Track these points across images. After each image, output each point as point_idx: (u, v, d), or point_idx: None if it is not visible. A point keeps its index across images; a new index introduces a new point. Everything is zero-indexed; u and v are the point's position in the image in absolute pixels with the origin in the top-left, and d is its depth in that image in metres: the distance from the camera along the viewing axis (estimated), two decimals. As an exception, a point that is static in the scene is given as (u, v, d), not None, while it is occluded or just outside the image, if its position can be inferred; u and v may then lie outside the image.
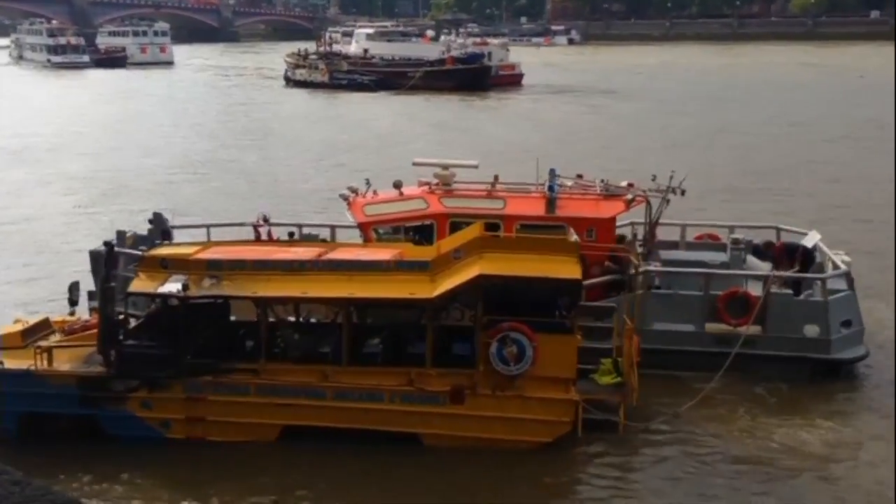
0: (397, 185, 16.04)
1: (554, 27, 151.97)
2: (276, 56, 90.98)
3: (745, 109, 53.70)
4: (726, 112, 52.60)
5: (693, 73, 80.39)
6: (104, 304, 12.59)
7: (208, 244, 14.53)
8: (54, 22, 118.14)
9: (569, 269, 12.24)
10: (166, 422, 12.67)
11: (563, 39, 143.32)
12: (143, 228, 17.54)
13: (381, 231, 15.55)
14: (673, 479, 11.87)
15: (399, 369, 12.51)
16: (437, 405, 12.36)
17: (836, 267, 15.27)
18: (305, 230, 17.74)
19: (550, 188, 15.56)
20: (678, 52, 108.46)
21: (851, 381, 14.92)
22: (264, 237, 16.77)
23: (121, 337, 12.76)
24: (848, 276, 15.07)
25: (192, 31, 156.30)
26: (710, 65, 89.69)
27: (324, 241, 16.65)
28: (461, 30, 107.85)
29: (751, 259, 16.25)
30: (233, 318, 13.82)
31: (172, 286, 12.54)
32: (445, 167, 16.03)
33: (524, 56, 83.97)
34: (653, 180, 15.89)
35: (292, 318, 13.87)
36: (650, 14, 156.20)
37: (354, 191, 16.35)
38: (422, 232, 15.38)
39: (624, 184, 16.12)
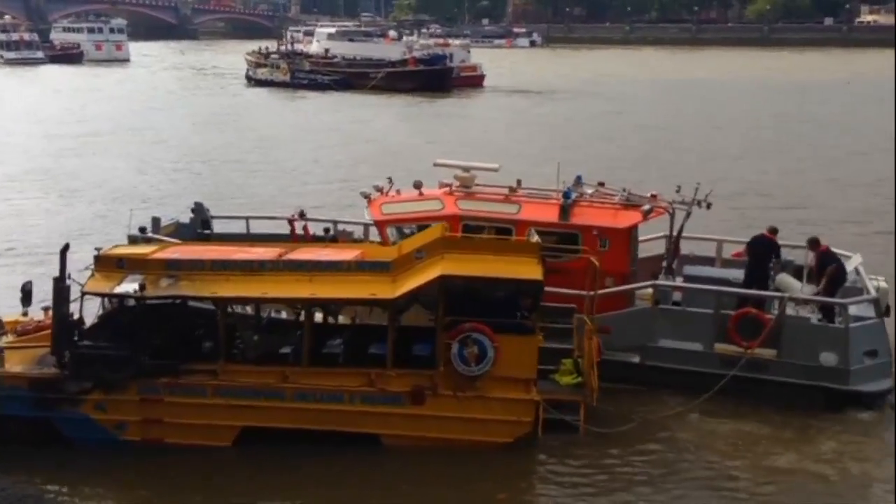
0: (417, 186, 15.97)
1: (516, 29, 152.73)
2: (236, 54, 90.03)
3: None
4: (664, 108, 53.62)
5: (649, 75, 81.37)
6: (58, 304, 12.33)
7: (166, 244, 14.33)
8: (7, 17, 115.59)
9: (530, 270, 12.28)
10: (121, 424, 12.44)
11: (524, 42, 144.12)
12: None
13: (406, 231, 15.32)
14: (629, 483, 11.90)
15: (360, 370, 12.44)
16: (398, 406, 12.32)
17: (867, 292, 14.33)
18: (340, 226, 17.78)
19: (565, 195, 15.29)
20: (638, 56, 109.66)
21: (862, 415, 13.61)
22: (299, 232, 17.01)
23: (75, 338, 12.51)
24: (877, 303, 14.11)
25: (150, 29, 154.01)
26: (665, 68, 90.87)
27: (357, 239, 16.72)
28: (423, 31, 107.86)
29: (784, 278, 14.91)
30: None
31: (129, 286, 12.33)
32: (466, 169, 15.95)
33: (486, 58, 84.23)
34: (677, 191, 15.35)
35: (252, 319, 13.75)
36: (610, 18, 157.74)
37: (379, 189, 16.26)
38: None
39: (648, 195, 15.64)
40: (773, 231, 15.36)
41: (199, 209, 18.29)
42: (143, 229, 16.55)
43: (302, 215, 17.40)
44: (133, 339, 12.32)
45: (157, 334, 12.67)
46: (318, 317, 13.66)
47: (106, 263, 12.78)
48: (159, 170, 35.38)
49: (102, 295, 12.87)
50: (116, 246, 13.74)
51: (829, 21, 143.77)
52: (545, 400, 12.62)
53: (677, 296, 15.01)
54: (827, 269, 14.59)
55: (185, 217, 18.17)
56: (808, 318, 14.25)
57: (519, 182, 16.08)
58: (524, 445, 12.44)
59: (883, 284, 14.78)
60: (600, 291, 13.96)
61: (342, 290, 12.40)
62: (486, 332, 12.06)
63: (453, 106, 62.38)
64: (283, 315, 14.19)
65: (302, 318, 12.83)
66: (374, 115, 55.76)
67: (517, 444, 12.38)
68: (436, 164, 16.32)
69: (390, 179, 16.36)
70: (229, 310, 12.91)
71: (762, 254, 15.09)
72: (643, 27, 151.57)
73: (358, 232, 17.72)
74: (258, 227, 18.21)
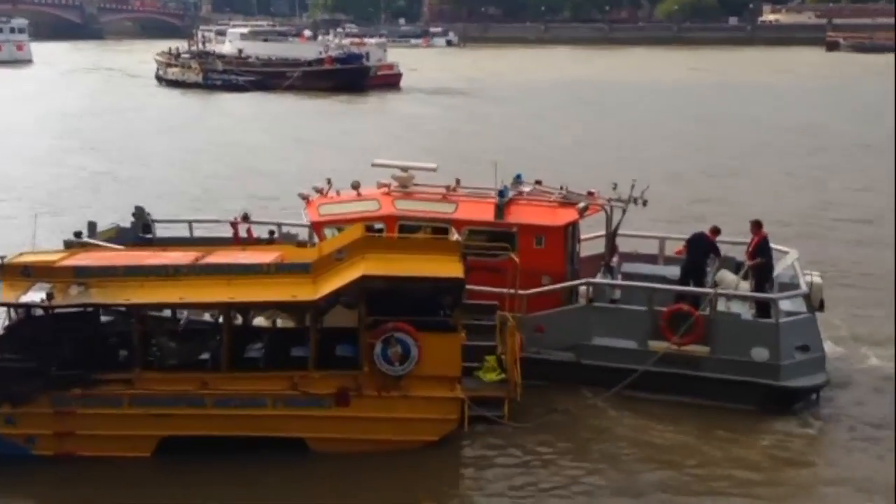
0: (355, 186, 15.81)
1: (432, 29, 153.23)
2: (146, 55, 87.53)
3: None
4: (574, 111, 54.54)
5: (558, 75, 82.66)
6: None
7: (74, 251, 13.83)
8: None
9: (451, 268, 12.30)
10: (31, 438, 11.99)
11: (441, 41, 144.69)
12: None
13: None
14: (553, 475, 12.05)
15: (282, 373, 12.25)
16: (322, 408, 12.19)
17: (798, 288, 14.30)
18: (285, 229, 17.49)
19: (500, 193, 15.21)
20: (553, 55, 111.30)
21: (794, 409, 13.72)
22: (243, 235, 16.80)
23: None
24: (808, 298, 14.12)
25: (54, 29, 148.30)
26: (580, 67, 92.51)
27: (302, 242, 16.42)
28: (339, 30, 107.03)
29: (722, 274, 14.88)
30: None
31: (35, 295, 11.87)
32: (405, 169, 15.84)
33: (403, 57, 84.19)
34: (613, 189, 15.28)
35: (169, 326, 13.38)
36: (525, 18, 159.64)
37: (319, 190, 16.06)
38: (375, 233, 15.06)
39: (585, 192, 15.59)
40: (715, 231, 15.32)
41: (139, 213, 18.02)
42: (78, 234, 16.22)
43: (245, 218, 17.28)
44: (41, 351, 11.87)
45: (68, 344, 12.22)
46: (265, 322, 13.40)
47: (11, 272, 12.29)
48: (75, 175, 34.17)
49: (7, 305, 12.36)
50: (22, 253, 13.19)
51: (733, 20, 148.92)
52: (470, 397, 12.67)
53: (619, 294, 14.95)
54: (754, 261, 14.64)
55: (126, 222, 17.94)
56: (739, 314, 14.16)
57: (458, 181, 16.06)
58: (450, 443, 12.47)
59: (817, 280, 14.78)
60: (533, 290, 14.11)
61: (262, 294, 12.19)
62: (409, 331, 12.03)
63: (373, 105, 62.26)
64: (208, 317, 13.86)
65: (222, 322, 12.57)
66: (294, 114, 55.16)
67: (443, 442, 12.40)
68: (374, 165, 16.22)
69: (329, 181, 16.24)
70: (145, 316, 12.54)
71: (699, 251, 15.11)
72: (557, 27, 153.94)
73: (303, 234, 17.45)
74: (201, 231, 18.00)
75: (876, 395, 14.63)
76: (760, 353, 13.59)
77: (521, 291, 13.95)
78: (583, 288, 14.60)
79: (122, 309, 12.35)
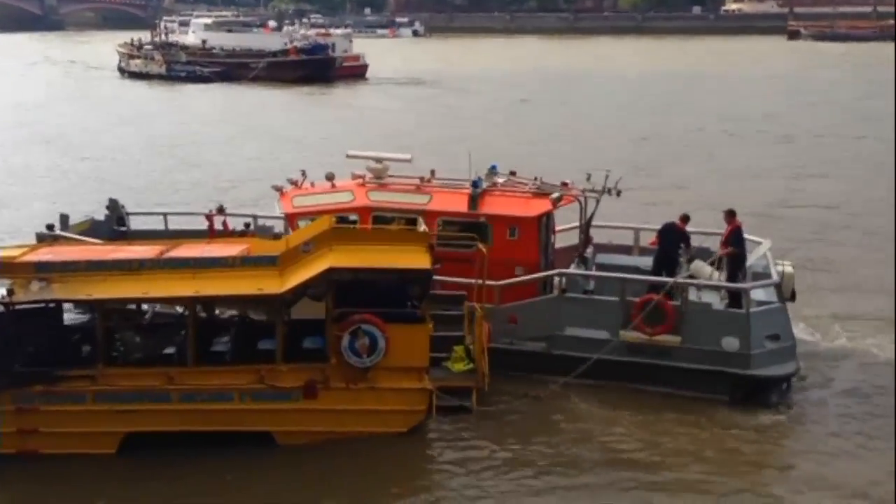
0: (330, 178, 15.77)
1: (398, 19, 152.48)
2: (107, 46, 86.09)
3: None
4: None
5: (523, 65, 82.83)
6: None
7: (36, 246, 13.62)
8: None
9: (418, 259, 12.30)
10: (-6, 437, 11.80)
11: (407, 31, 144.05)
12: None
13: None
14: (522, 463, 12.13)
15: (249, 367, 12.18)
16: (290, 401, 12.14)
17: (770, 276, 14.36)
18: (260, 221, 17.33)
19: (474, 184, 15.19)
20: (519, 44, 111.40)
21: (763, 398, 13.76)
22: (218, 227, 16.73)
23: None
24: (779, 288, 14.18)
25: (12, 20, 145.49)
26: (546, 57, 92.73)
27: (278, 234, 16.17)
28: (304, 20, 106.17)
29: (697, 265, 14.88)
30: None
31: (-5, 292, 11.67)
32: (379, 160, 15.78)
33: (369, 48, 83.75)
34: (587, 180, 15.29)
35: (133, 320, 13.24)
36: (491, 7, 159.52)
37: (294, 182, 15.96)
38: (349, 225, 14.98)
39: (559, 183, 15.59)
40: (685, 219, 15.30)
41: (114, 205, 17.94)
42: (50, 227, 16.11)
43: (221, 210, 17.24)
44: (2, 348, 11.68)
45: (30, 341, 12.05)
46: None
47: (-30, 269, 12.05)
48: (44, 167, 33.67)
49: (-33, 303, 12.13)
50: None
51: (697, 10, 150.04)
52: (438, 387, 12.69)
53: (593, 285, 14.97)
54: (727, 250, 14.62)
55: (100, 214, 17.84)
56: (709, 304, 14.18)
57: (433, 172, 16.05)
58: (418, 434, 12.50)
59: (789, 269, 14.84)
60: (506, 281, 14.13)
61: (228, 287, 12.10)
62: (377, 322, 12.01)
63: (339, 96, 61.86)
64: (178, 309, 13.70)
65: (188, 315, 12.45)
66: (259, 106, 54.66)
67: (411, 433, 12.42)
68: (348, 156, 16.21)
69: (303, 172, 16.18)
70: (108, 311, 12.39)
71: (670, 241, 15.06)
72: (523, 16, 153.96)
73: (279, 226, 17.26)
74: (176, 223, 17.90)
75: (846, 377, 14.89)
76: (731, 343, 13.64)
77: (493, 282, 13.99)
78: (557, 279, 14.63)
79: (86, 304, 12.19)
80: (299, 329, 12.68)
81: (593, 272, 15.34)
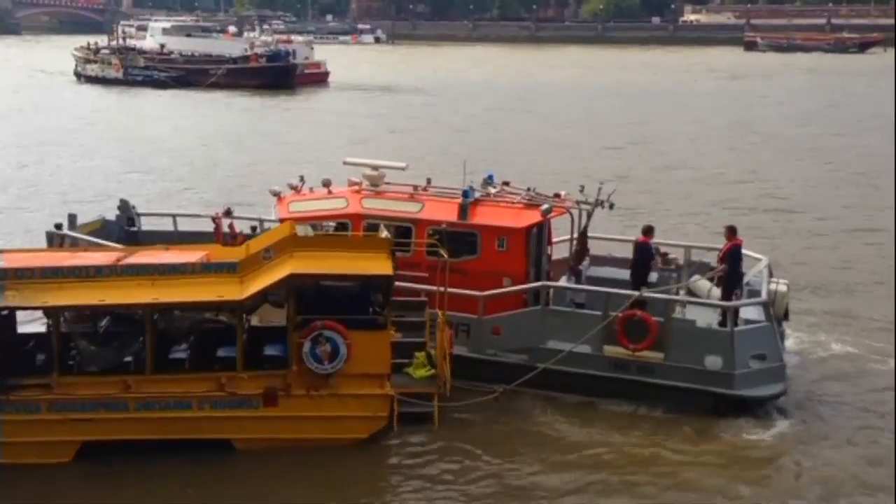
0: (326, 184, 15.78)
1: (360, 26, 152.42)
2: (64, 51, 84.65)
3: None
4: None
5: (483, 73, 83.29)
6: None
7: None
8: None
9: (380, 266, 12.28)
10: (-55, 448, 11.53)
11: (369, 38, 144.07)
12: None
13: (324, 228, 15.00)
14: (484, 469, 12.13)
15: (208, 374, 12.06)
16: (250, 409, 12.04)
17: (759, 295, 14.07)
18: (266, 225, 17.14)
19: (465, 194, 15.13)
20: (481, 53, 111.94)
21: (742, 419, 13.32)
22: (225, 230, 16.66)
23: None
24: (766, 307, 13.83)
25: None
26: (509, 67, 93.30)
27: None
28: (265, 26, 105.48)
29: (696, 282, 14.58)
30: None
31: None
32: (375, 168, 15.79)
33: (330, 55, 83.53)
34: (580, 192, 15.22)
35: (89, 328, 13.01)
36: (453, 15, 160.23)
37: (293, 187, 15.89)
38: (342, 231, 14.86)
39: (552, 195, 15.46)
40: (646, 231, 15.03)
41: (124, 206, 17.93)
42: (58, 226, 16.03)
43: (228, 213, 17.22)
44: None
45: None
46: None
47: (-81, 276, 11.76)
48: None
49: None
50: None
51: (656, 20, 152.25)
52: (400, 393, 12.68)
53: (584, 298, 14.73)
54: (721, 267, 14.35)
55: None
56: (693, 321, 13.88)
57: (429, 181, 16.05)
58: (380, 440, 12.47)
59: (782, 288, 14.59)
60: (490, 292, 14.11)
61: (187, 294, 11.97)
62: (339, 329, 11.97)
63: (300, 102, 61.53)
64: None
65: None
66: (215, 112, 54.20)
67: (373, 440, 12.39)
68: (345, 163, 16.24)
69: (302, 178, 16.15)
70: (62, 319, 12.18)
71: (638, 258, 14.89)
72: (486, 25, 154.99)
73: None
74: (186, 224, 18.09)
75: (835, 384, 14.83)
76: (714, 362, 13.36)
77: (477, 293, 14.03)
78: (551, 290, 14.56)
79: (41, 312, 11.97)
80: (260, 336, 12.57)
81: (574, 285, 15.18)
